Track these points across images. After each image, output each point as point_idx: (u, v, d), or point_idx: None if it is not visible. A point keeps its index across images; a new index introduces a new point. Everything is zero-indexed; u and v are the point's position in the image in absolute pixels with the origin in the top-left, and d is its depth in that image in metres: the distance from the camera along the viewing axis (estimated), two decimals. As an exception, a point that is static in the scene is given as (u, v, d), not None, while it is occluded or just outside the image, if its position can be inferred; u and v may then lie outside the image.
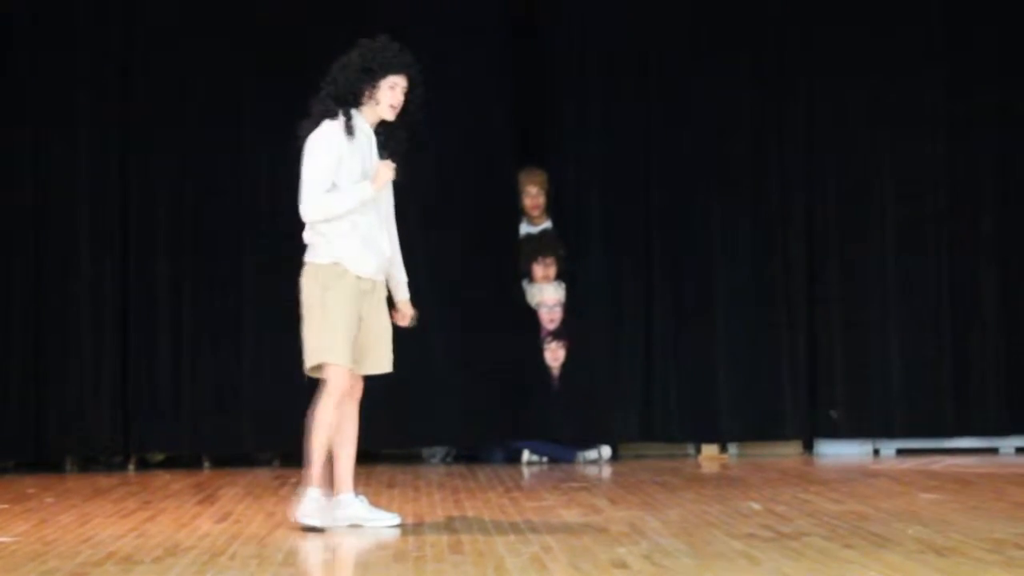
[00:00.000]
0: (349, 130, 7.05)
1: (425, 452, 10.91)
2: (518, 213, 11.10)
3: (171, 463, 10.69)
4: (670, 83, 10.90)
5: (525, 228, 11.13)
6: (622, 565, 5.72)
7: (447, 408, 10.65)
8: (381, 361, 7.25)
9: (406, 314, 7.43)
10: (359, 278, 7.11)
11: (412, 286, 10.69)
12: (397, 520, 7.15)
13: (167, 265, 10.63)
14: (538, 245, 11.00)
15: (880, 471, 9.64)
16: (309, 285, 7.13)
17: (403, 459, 10.82)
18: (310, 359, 7.13)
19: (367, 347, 7.18)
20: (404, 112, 7.18)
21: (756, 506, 7.63)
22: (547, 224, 11.15)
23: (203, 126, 10.68)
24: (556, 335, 10.83)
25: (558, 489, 8.75)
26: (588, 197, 11.01)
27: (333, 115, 7.08)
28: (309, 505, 6.99)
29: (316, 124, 7.10)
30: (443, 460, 10.81)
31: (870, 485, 8.67)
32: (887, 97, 10.88)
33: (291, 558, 6.10)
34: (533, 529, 6.85)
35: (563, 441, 10.67)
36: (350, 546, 6.41)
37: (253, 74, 10.65)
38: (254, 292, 10.66)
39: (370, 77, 7.07)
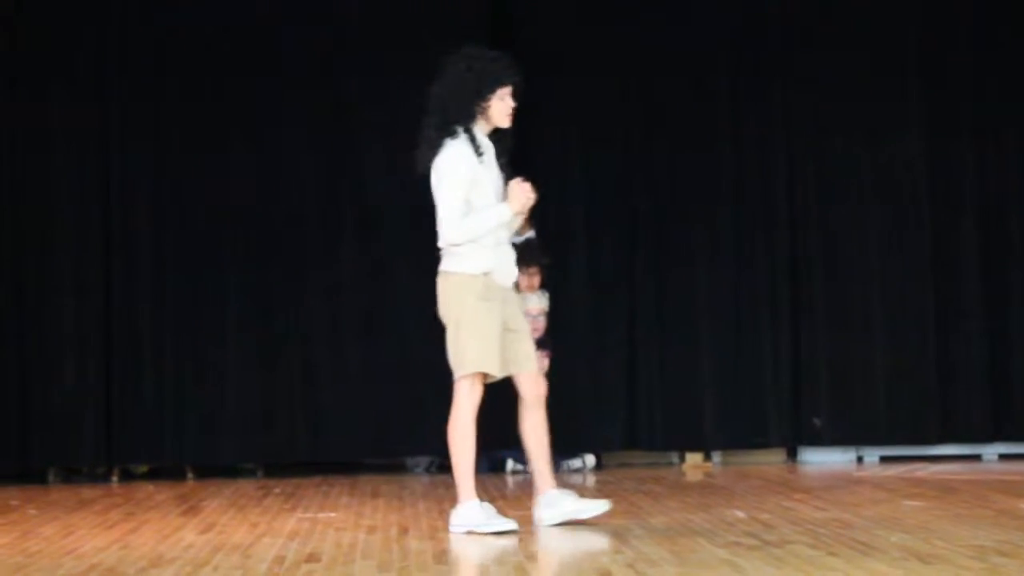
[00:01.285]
0: (477, 149, 7.10)
1: (409, 462, 10.91)
2: None
3: (155, 474, 10.68)
4: (649, 86, 10.89)
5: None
6: (606, 574, 5.72)
7: (431, 418, 10.63)
8: (530, 360, 7.33)
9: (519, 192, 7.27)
10: (502, 288, 7.22)
11: (394, 298, 10.77)
12: (606, 507, 7.20)
13: (151, 277, 10.63)
14: (522, 255, 10.98)
15: (864, 478, 9.65)
16: (458, 296, 7.19)
17: (387, 469, 10.82)
18: (465, 368, 7.19)
19: (518, 349, 7.27)
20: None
21: (740, 514, 7.63)
22: (531, 233, 11.14)
23: (186, 136, 10.68)
24: (540, 344, 10.83)
25: (542, 498, 8.73)
26: (571, 206, 11.02)
27: (454, 135, 7.11)
28: (477, 515, 7.02)
29: (436, 147, 7.12)
30: (427, 470, 10.81)
31: (854, 492, 8.67)
32: (868, 101, 10.89)
33: (275, 568, 6.09)
34: (517, 538, 6.84)
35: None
36: (332, 557, 6.40)
37: (234, 73, 10.65)
38: (238, 304, 10.66)
39: (486, 90, 7.11)
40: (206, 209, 10.68)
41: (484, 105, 7.13)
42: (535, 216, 11.14)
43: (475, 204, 7.15)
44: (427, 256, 10.71)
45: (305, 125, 10.74)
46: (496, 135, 7.25)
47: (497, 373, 7.19)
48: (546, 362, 10.84)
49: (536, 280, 10.96)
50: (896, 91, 10.92)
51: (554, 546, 6.57)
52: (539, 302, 10.94)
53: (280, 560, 6.32)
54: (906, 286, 10.88)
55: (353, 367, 10.70)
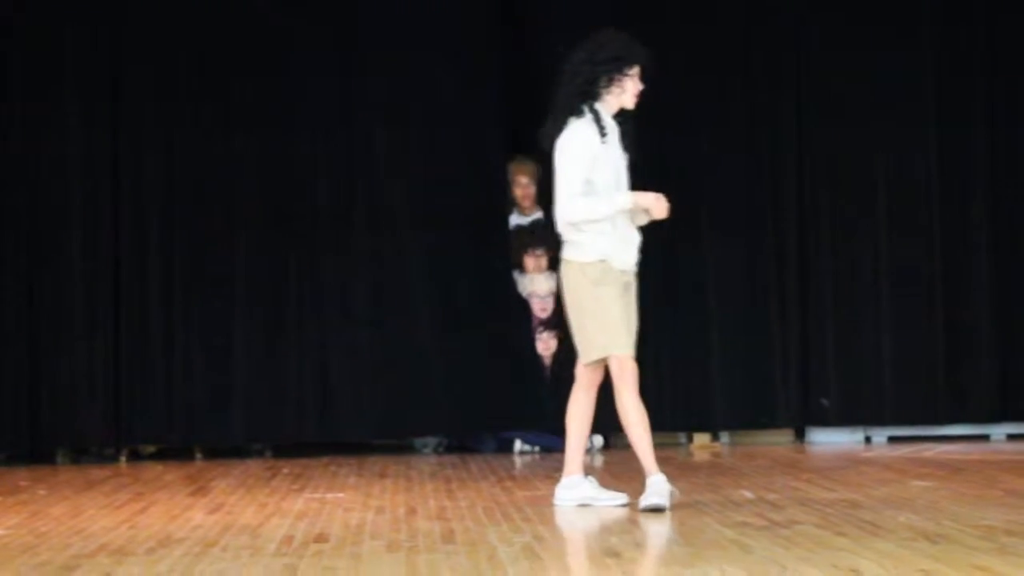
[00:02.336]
0: (601, 128, 7.09)
1: (417, 442, 10.92)
2: (509, 204, 11.09)
3: (163, 455, 10.69)
4: (664, 82, 10.85)
5: (516, 219, 11.12)
6: (614, 554, 5.72)
7: (439, 399, 10.65)
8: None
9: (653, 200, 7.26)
10: (622, 272, 7.19)
11: (404, 279, 10.76)
12: (625, 499, 7.19)
13: (159, 259, 10.63)
14: (529, 237, 10.99)
15: (872, 459, 9.65)
16: (578, 281, 7.17)
17: (395, 449, 10.83)
18: (593, 353, 7.21)
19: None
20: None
21: (748, 494, 7.63)
22: (539, 214, 11.14)
23: (195, 120, 10.68)
24: (548, 325, 10.84)
25: (550, 478, 8.72)
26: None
27: (579, 113, 7.12)
28: (662, 487, 7.04)
29: (561, 124, 7.13)
30: (435, 450, 10.82)
31: (862, 473, 8.67)
32: (878, 88, 10.87)
33: (283, 548, 6.09)
34: (525, 519, 6.85)
35: (555, 431, 10.66)
36: (340, 537, 6.41)
37: (241, 73, 10.65)
38: (246, 286, 10.66)
39: (617, 69, 7.09)
40: (216, 190, 10.68)
41: (613, 85, 7.11)
42: (543, 197, 11.16)
43: (595, 184, 7.12)
44: (438, 239, 10.81)
45: (317, 112, 10.72)
46: (620, 117, 7.22)
47: (632, 351, 7.17)
48: (554, 343, 10.85)
49: (544, 262, 10.96)
50: (909, 78, 10.89)
51: (563, 526, 6.57)
52: (547, 283, 10.94)
53: (288, 540, 6.33)
54: (914, 266, 10.87)
55: (362, 348, 10.70)
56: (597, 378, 7.32)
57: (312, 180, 10.74)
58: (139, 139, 10.66)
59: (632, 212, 7.24)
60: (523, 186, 11.06)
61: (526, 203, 11.10)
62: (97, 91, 10.61)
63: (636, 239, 7.27)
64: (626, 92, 7.15)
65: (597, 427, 10.73)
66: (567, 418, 7.43)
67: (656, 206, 7.19)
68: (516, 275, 10.97)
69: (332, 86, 10.74)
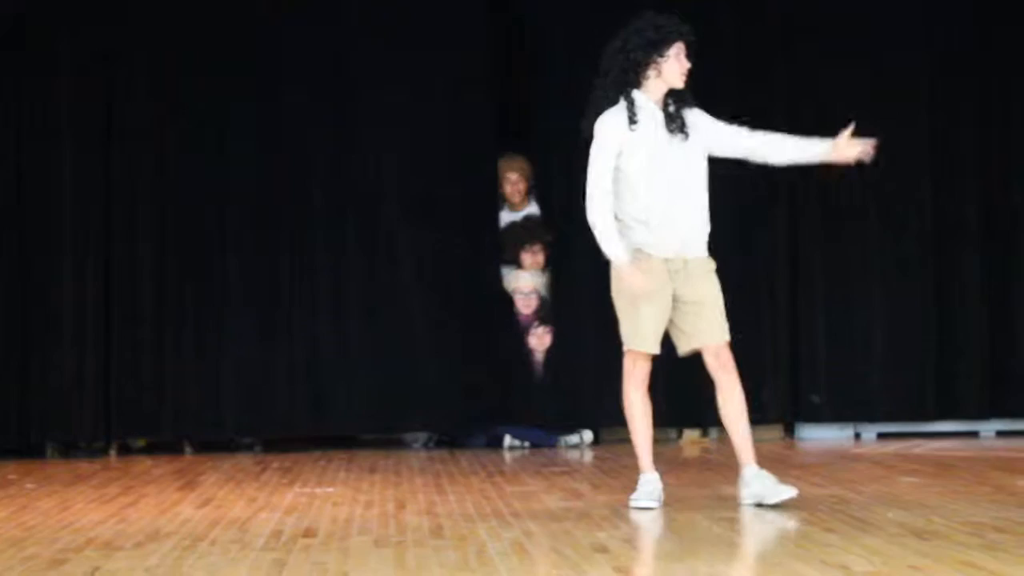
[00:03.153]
0: (632, 118, 6.96)
1: (407, 437, 10.92)
2: (498, 199, 11.09)
3: (153, 449, 10.68)
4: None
5: (507, 215, 11.11)
6: (603, 549, 5.72)
7: (429, 394, 10.66)
8: (712, 332, 7.07)
9: (851, 145, 7.21)
10: (666, 260, 7.03)
11: (395, 274, 10.74)
12: (793, 492, 6.93)
13: (150, 251, 10.63)
14: (525, 232, 10.99)
15: (861, 455, 9.66)
16: (615, 274, 7.08)
17: (385, 444, 10.83)
18: (625, 344, 7.15)
19: (693, 322, 7.07)
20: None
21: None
22: (529, 210, 11.14)
23: (187, 118, 10.67)
24: (543, 320, 10.83)
25: (540, 474, 8.75)
26: (573, 180, 10.98)
27: (612, 102, 7.00)
28: (651, 488, 7.00)
29: (594, 116, 7.03)
30: (425, 445, 10.81)
31: (851, 469, 8.68)
32: (868, 82, 10.87)
33: (272, 542, 6.09)
34: (515, 514, 6.85)
35: (545, 426, 10.68)
36: (329, 532, 6.41)
37: (233, 73, 10.64)
38: (237, 278, 10.66)
39: (656, 51, 6.94)
40: (207, 184, 10.67)
41: (651, 70, 6.96)
42: (536, 191, 11.17)
43: (626, 171, 6.97)
44: (429, 235, 10.80)
45: (308, 107, 10.71)
46: (674, 97, 7.03)
47: (648, 350, 7.06)
48: (548, 338, 10.85)
49: (541, 258, 10.95)
50: (900, 71, 10.90)
51: (550, 522, 6.57)
52: (531, 280, 10.94)
53: (277, 534, 6.33)
54: (904, 262, 10.87)
55: (353, 343, 10.70)
56: (645, 370, 7.15)
57: (304, 177, 10.74)
58: (131, 137, 10.65)
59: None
60: (512, 182, 11.07)
61: (515, 199, 11.10)
62: (89, 92, 10.61)
63: (681, 224, 7.01)
64: (665, 74, 6.96)
65: (588, 422, 10.82)
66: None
67: (630, 281, 6.97)
68: (505, 271, 10.97)
69: (324, 85, 10.74)
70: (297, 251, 10.71)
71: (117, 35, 10.65)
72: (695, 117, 7.07)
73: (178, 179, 10.66)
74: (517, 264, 10.97)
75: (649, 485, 7.04)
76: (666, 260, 7.03)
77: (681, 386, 10.79)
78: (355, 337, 10.70)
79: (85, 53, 10.61)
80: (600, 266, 10.85)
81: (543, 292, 11.00)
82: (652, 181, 6.99)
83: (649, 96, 7.00)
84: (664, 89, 7.01)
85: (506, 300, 10.91)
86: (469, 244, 10.80)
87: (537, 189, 11.13)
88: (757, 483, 6.95)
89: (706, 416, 10.84)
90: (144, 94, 10.65)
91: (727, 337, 7.11)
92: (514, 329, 10.84)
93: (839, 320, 10.86)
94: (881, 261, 10.88)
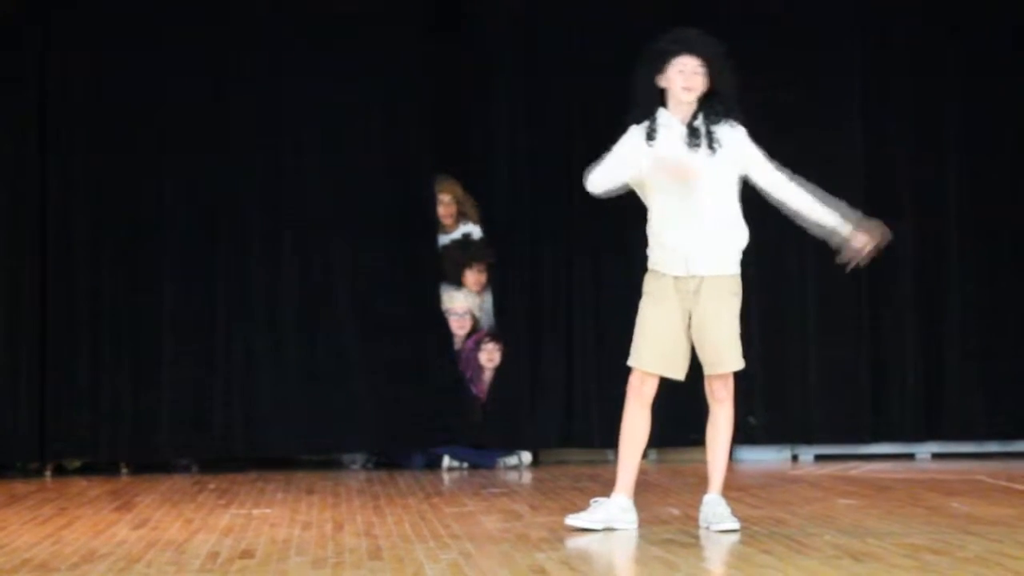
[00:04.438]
0: (651, 133, 6.88)
1: (345, 458, 10.89)
2: (436, 220, 11.09)
3: (88, 470, 10.60)
4: (599, 76, 10.87)
5: (442, 238, 11.10)
6: (541, 571, 5.72)
7: (366, 415, 10.64)
8: (709, 361, 6.95)
9: (860, 240, 7.01)
10: (676, 279, 6.93)
11: (331, 294, 10.72)
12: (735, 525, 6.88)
13: (86, 271, 10.57)
14: (466, 252, 10.98)
15: (799, 477, 9.70)
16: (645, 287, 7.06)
17: (323, 465, 10.80)
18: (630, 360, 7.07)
19: (703, 346, 6.96)
20: (715, 89, 6.88)
21: (675, 511, 7.66)
22: (465, 229, 11.14)
23: (123, 131, 10.62)
24: (493, 337, 10.84)
25: (478, 495, 8.75)
26: (516, 200, 11.00)
27: (637, 121, 6.95)
28: (594, 509, 6.92)
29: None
30: (363, 466, 10.79)
31: (788, 491, 8.72)
32: (807, 102, 10.94)
33: (208, 564, 6.06)
34: (453, 535, 6.84)
35: (484, 447, 10.68)
36: (267, 553, 6.38)
37: (172, 88, 10.62)
38: (174, 300, 10.62)
39: (656, 69, 6.88)
40: (143, 206, 10.63)
41: (665, 83, 6.89)
42: (483, 211, 11.13)
43: (648, 186, 6.90)
44: (364, 254, 10.79)
45: (247, 120, 10.70)
46: (706, 111, 6.88)
47: (644, 368, 6.98)
48: (498, 356, 10.85)
49: (484, 277, 10.96)
50: (836, 95, 10.98)
51: (488, 543, 6.57)
52: (465, 300, 10.94)
53: (214, 556, 6.30)
54: (839, 286, 10.93)
55: (289, 363, 10.67)
56: (641, 389, 7.04)
57: (240, 195, 10.71)
58: (67, 150, 10.59)
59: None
60: (444, 204, 11.06)
61: (447, 221, 11.10)
62: (21, 98, 10.54)
63: (694, 240, 6.89)
64: (671, 90, 6.88)
65: (522, 442, 10.81)
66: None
67: (675, 168, 6.80)
68: (444, 290, 10.96)
69: (261, 96, 10.71)
70: (233, 272, 10.67)
71: (55, 30, 10.60)
72: (729, 132, 6.90)
73: (113, 203, 10.60)
74: (459, 284, 10.97)
75: (607, 508, 6.94)
76: (676, 279, 6.94)
77: (617, 409, 10.82)
78: (291, 358, 10.67)
79: (19, 53, 10.54)
80: (537, 285, 10.98)
81: (480, 312, 11.00)
82: (666, 198, 6.92)
83: (673, 113, 6.92)
84: (683, 104, 6.90)
85: (442, 319, 10.90)
86: (406, 264, 10.80)
87: (481, 209, 11.13)
88: (709, 508, 6.94)
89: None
90: (82, 107, 10.59)
91: (737, 366, 6.99)
92: (451, 349, 10.84)
93: (775, 342, 10.90)
94: (816, 284, 10.93)
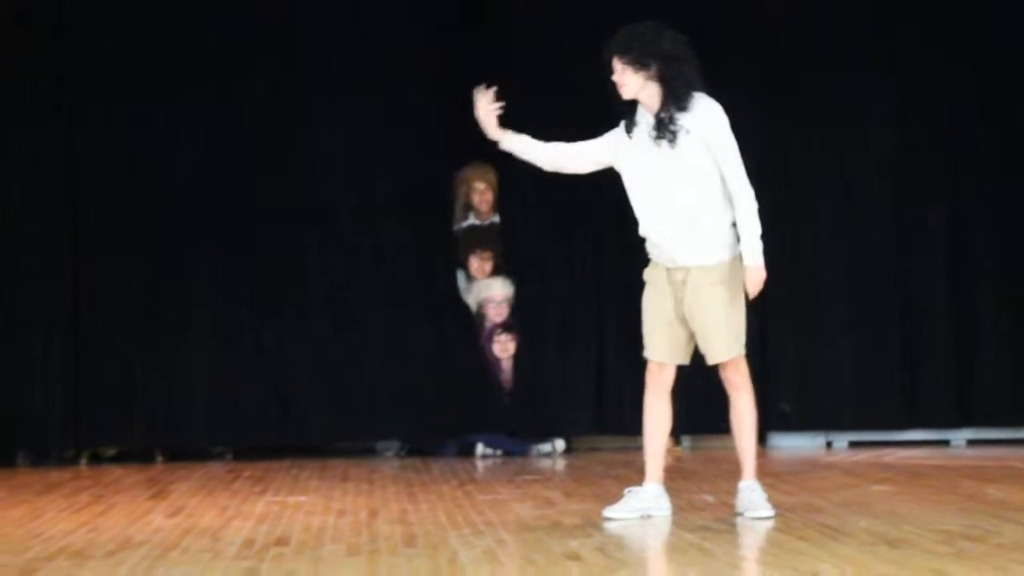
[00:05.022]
0: (628, 127, 6.89)
1: (379, 446, 10.91)
2: (462, 208, 11.08)
3: (124, 458, 10.65)
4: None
5: (472, 221, 11.10)
6: (575, 558, 5.72)
7: (400, 402, 10.66)
8: (709, 350, 6.93)
9: (748, 280, 6.86)
10: (668, 270, 6.93)
11: (363, 283, 10.73)
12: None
13: (119, 259, 10.61)
14: (478, 238, 10.99)
15: (833, 463, 9.68)
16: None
17: (358, 453, 10.82)
18: None
19: (699, 338, 6.95)
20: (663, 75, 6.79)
21: (709, 498, 7.65)
22: (495, 219, 11.15)
23: (149, 123, 10.65)
24: (506, 328, 10.84)
25: (512, 482, 8.75)
26: (541, 187, 10.98)
27: (621, 119, 6.94)
28: (624, 500, 6.93)
29: None
30: (397, 454, 10.81)
31: (822, 477, 8.70)
32: (833, 91, 10.91)
33: (244, 552, 6.08)
34: (487, 523, 6.85)
35: (517, 434, 10.68)
36: (301, 540, 6.40)
37: (190, 79, 10.64)
38: (205, 287, 10.66)
39: (607, 71, 6.91)
40: (174, 196, 10.67)
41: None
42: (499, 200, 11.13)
43: (624, 178, 6.93)
44: (392, 242, 10.80)
45: (269, 114, 10.73)
46: (668, 103, 6.78)
47: (651, 357, 6.99)
48: (512, 346, 10.86)
49: (489, 266, 10.95)
50: (861, 80, 10.94)
51: (522, 530, 6.57)
52: (503, 288, 10.95)
53: (249, 543, 6.31)
54: (872, 272, 10.91)
55: (324, 352, 10.69)
56: (657, 378, 7.05)
57: (270, 185, 10.73)
58: (95, 140, 10.62)
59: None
60: (480, 191, 11.06)
61: (483, 208, 11.09)
62: (45, 97, 10.58)
63: (670, 232, 6.85)
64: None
65: (555, 429, 10.81)
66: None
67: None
68: (464, 281, 10.97)
69: (281, 87, 10.73)
70: (265, 260, 10.69)
71: (72, 22, 10.63)
72: (699, 116, 6.79)
73: (145, 193, 10.64)
74: (464, 268, 10.96)
75: (641, 497, 6.94)
76: (668, 270, 6.94)
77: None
78: (327, 346, 10.70)
79: (35, 55, 10.58)
80: (568, 270, 10.97)
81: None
82: (638, 192, 6.92)
83: (644, 108, 6.89)
84: (646, 101, 6.86)
85: (467, 307, 10.92)
86: (442, 251, 10.82)
87: (503, 198, 11.12)
88: (744, 495, 6.93)
89: (677, 424, 10.88)
90: (106, 94, 10.62)
91: (730, 355, 6.94)
92: (481, 337, 10.85)
93: (808, 329, 10.87)
94: (849, 270, 10.91)
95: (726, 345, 6.92)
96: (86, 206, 10.63)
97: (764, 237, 6.92)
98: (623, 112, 6.92)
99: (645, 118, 6.88)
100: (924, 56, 10.97)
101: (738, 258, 6.87)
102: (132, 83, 10.63)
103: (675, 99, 6.78)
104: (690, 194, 6.82)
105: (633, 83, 6.82)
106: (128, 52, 10.64)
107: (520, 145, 7.08)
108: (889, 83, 10.95)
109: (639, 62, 6.79)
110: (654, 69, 6.79)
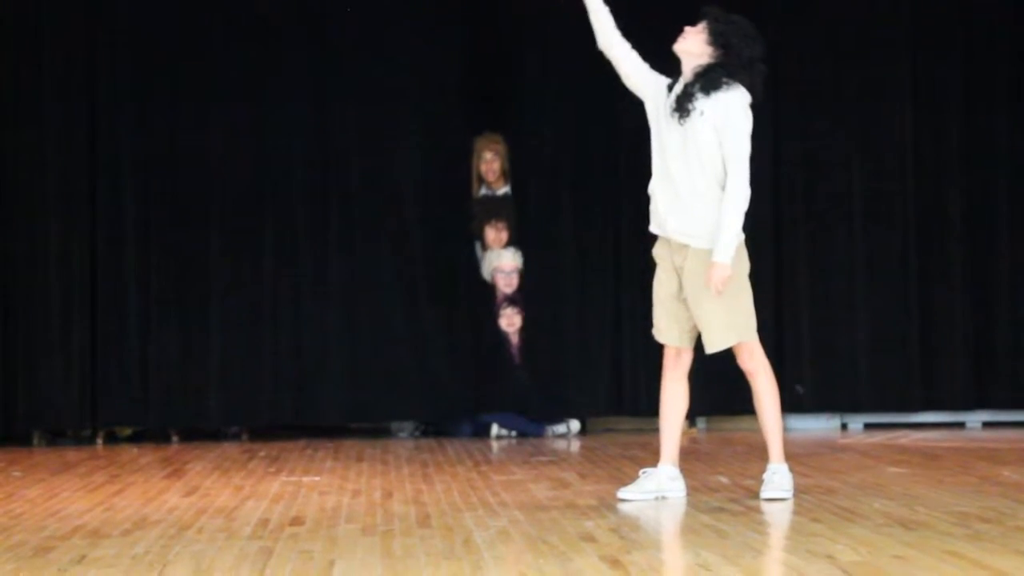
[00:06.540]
0: (671, 85, 6.84)
1: (394, 426, 10.92)
2: (472, 183, 11.08)
3: (139, 437, 10.67)
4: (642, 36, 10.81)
5: (485, 191, 11.12)
6: (590, 539, 5.73)
7: (415, 383, 10.66)
8: (707, 338, 6.88)
9: (713, 274, 6.75)
10: (671, 249, 6.88)
11: (378, 264, 10.72)
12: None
13: (135, 241, 10.62)
14: (492, 207, 10.98)
15: (848, 445, 9.68)
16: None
17: (372, 433, 10.83)
18: None
19: (696, 323, 6.91)
20: (720, 59, 6.80)
21: (724, 480, 7.65)
22: (506, 189, 11.14)
23: (171, 108, 10.66)
24: (511, 301, 10.84)
25: (527, 463, 8.76)
26: (555, 160, 10.99)
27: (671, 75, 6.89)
28: (638, 481, 6.93)
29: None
30: (412, 434, 10.81)
31: (838, 459, 8.70)
32: (853, 73, 10.89)
33: (259, 531, 6.09)
34: (501, 503, 6.85)
35: (532, 415, 10.68)
36: (316, 520, 6.41)
37: (214, 66, 10.65)
38: (221, 269, 10.66)
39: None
40: (193, 174, 10.68)
41: None
42: (511, 172, 11.11)
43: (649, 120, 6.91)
44: (409, 227, 10.79)
45: (292, 98, 10.73)
46: (697, 75, 6.77)
47: (661, 340, 6.98)
48: (518, 319, 10.86)
49: (504, 235, 10.95)
50: (884, 64, 10.92)
51: (538, 511, 6.58)
52: (512, 259, 10.94)
53: (264, 523, 6.33)
54: (889, 253, 10.89)
55: (338, 332, 10.70)
56: (674, 360, 7.04)
57: (286, 167, 10.73)
58: (116, 126, 10.64)
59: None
60: (487, 161, 11.05)
61: (490, 177, 11.08)
62: (72, 85, 10.59)
63: (666, 206, 6.82)
64: None
65: (570, 409, 10.81)
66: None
67: None
68: (479, 252, 10.98)
69: (302, 72, 10.72)
70: (281, 240, 10.71)
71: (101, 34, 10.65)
72: (719, 102, 6.75)
73: (162, 173, 10.65)
74: (480, 239, 10.97)
75: (656, 478, 6.95)
76: (671, 249, 6.90)
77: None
78: (341, 326, 10.70)
79: (69, 49, 10.59)
80: (582, 247, 10.95)
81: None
82: (654, 148, 6.90)
83: (683, 75, 6.87)
84: (683, 62, 6.85)
85: (483, 286, 10.91)
86: (453, 232, 10.81)
87: (514, 169, 11.10)
88: (766, 476, 6.92)
89: (692, 406, 10.88)
90: (129, 87, 10.63)
91: (724, 344, 6.90)
92: (491, 311, 10.84)
93: (824, 310, 10.87)
94: (865, 252, 10.89)
95: (720, 335, 6.89)
96: (104, 186, 10.62)
97: (757, 230, 6.92)
98: (674, 69, 6.89)
99: (680, 86, 6.85)
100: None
101: (740, 246, 6.83)
102: (156, 69, 10.63)
103: (706, 80, 6.77)
104: (691, 172, 6.79)
105: (694, 46, 6.83)
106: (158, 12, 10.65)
107: (596, 7, 6.95)
108: (913, 53, 10.93)
109: (715, 37, 6.79)
110: (719, 51, 6.79)
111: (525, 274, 10.94)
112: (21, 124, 10.56)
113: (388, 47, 10.74)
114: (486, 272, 10.96)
